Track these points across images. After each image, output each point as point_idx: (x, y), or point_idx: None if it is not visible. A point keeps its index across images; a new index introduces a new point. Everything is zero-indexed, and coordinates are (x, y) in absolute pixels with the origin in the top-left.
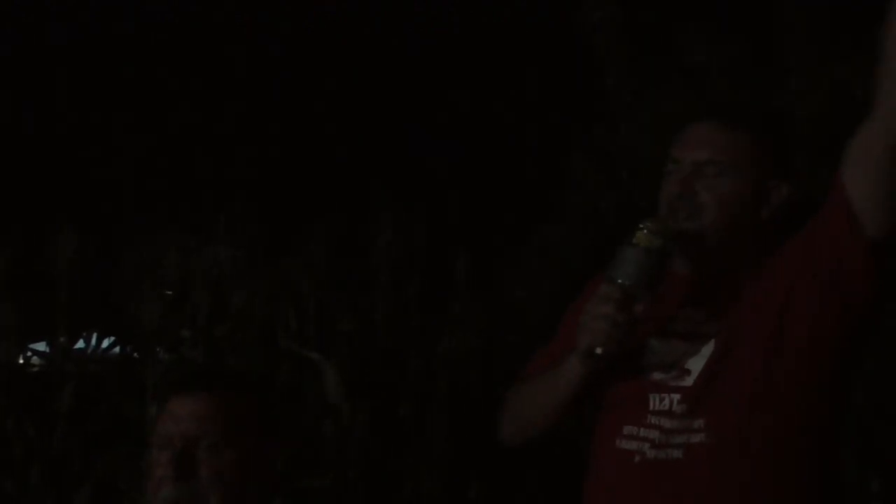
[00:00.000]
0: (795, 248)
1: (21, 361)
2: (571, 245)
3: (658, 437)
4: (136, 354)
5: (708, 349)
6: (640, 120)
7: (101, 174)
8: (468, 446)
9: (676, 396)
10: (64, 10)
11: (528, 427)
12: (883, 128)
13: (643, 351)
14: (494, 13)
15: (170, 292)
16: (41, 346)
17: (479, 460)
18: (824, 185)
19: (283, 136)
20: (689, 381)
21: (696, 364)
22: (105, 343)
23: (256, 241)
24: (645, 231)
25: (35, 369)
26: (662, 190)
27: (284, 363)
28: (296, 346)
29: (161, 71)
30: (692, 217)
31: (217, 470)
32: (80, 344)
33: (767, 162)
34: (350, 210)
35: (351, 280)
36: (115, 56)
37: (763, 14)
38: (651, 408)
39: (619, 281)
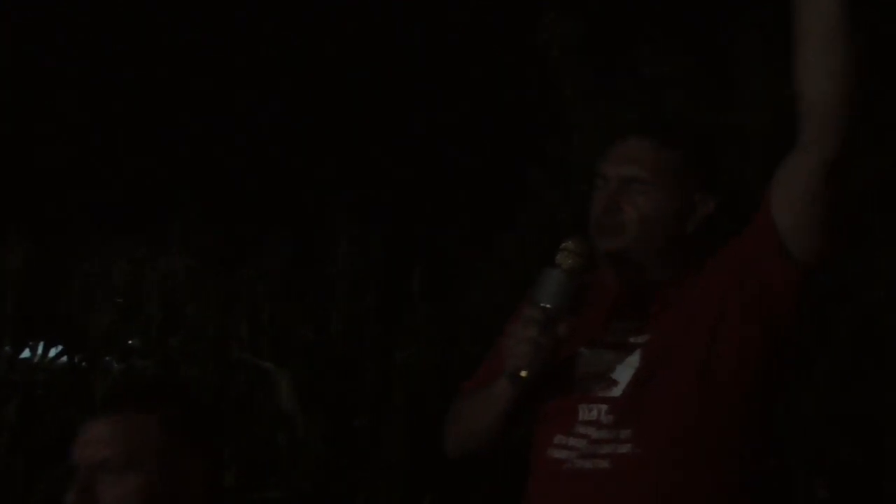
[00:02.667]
0: (723, 263)
1: None
2: (527, 256)
3: (585, 446)
4: (84, 364)
5: (634, 360)
6: (595, 132)
7: (50, 182)
8: (423, 458)
9: (604, 407)
10: (6, 11)
11: (468, 441)
12: (806, 155)
13: (574, 363)
14: (452, 28)
15: (120, 300)
16: None
17: (435, 472)
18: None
19: (239, 146)
20: (616, 392)
21: (623, 374)
22: (52, 352)
23: (210, 252)
24: (566, 252)
25: None
26: (590, 206)
27: (238, 374)
28: (249, 357)
29: (115, 78)
30: (616, 233)
31: (119, 497)
32: (26, 353)
33: (693, 176)
34: (306, 221)
35: (307, 290)
36: (64, 64)
37: (716, 30)
38: (580, 418)
39: (542, 304)
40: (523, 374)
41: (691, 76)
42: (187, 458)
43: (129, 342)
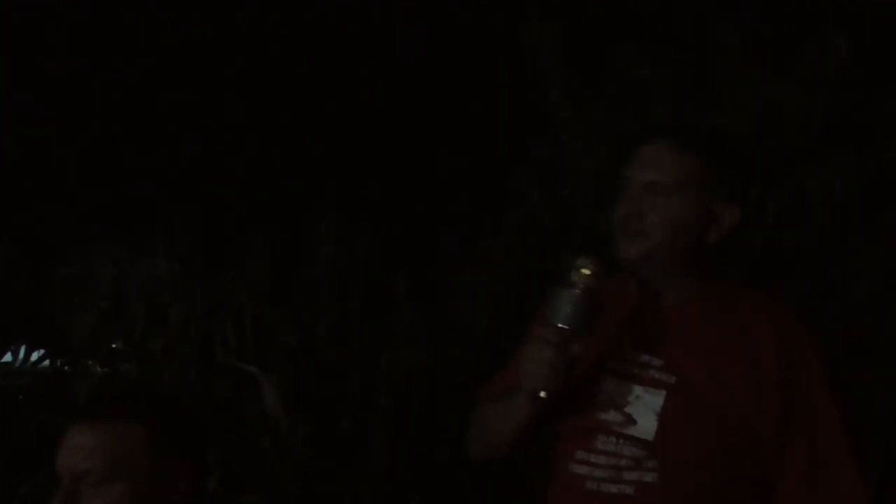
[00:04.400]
0: (780, 352)
1: None
2: (513, 259)
3: (609, 468)
4: (66, 368)
5: (659, 402)
6: (581, 136)
7: (32, 183)
8: (409, 461)
9: (625, 443)
10: None
11: (489, 448)
12: None
13: (597, 386)
14: (436, 29)
15: (103, 303)
16: None
17: (420, 476)
18: (756, 203)
19: (222, 148)
20: (636, 433)
21: (646, 417)
22: (34, 356)
23: (194, 254)
24: (581, 271)
25: None
26: (614, 209)
27: (222, 377)
28: (234, 360)
29: (97, 80)
30: (638, 238)
31: None
32: (8, 357)
33: (717, 185)
34: (291, 223)
35: (291, 293)
36: (45, 65)
37: (699, 35)
38: (602, 442)
39: (557, 324)
40: (542, 394)
41: (675, 80)
42: (172, 466)
43: (113, 346)
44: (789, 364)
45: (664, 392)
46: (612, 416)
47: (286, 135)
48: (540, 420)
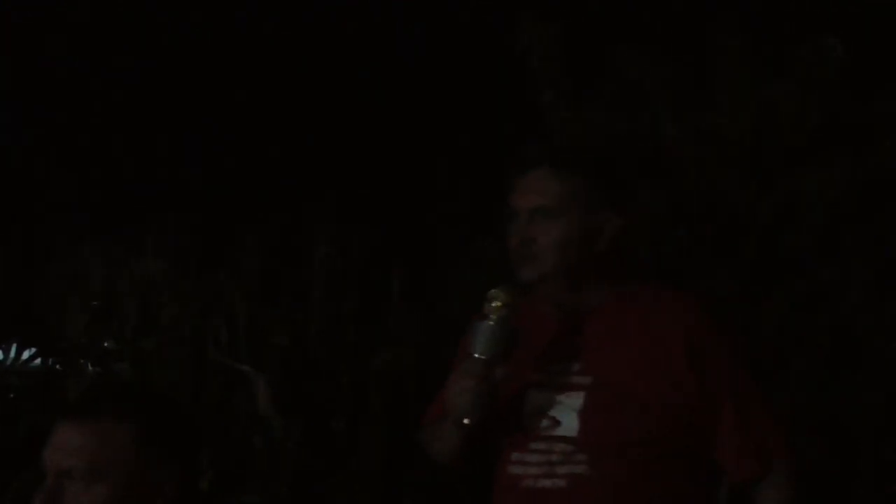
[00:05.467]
0: (677, 337)
1: None
2: (507, 260)
3: (543, 465)
4: (58, 367)
5: (578, 402)
6: (575, 137)
7: (24, 183)
8: (402, 462)
9: (554, 444)
10: None
11: (441, 458)
12: None
13: (523, 401)
14: (434, 29)
15: (96, 303)
16: None
17: (413, 477)
18: (754, 197)
19: (215, 148)
20: (561, 432)
21: (567, 417)
22: (26, 354)
23: (187, 254)
24: (493, 303)
25: None
26: (508, 239)
27: (214, 376)
28: (226, 359)
29: (88, 80)
30: (532, 263)
31: None
32: None
33: (595, 198)
34: (284, 223)
35: (284, 293)
36: (36, 65)
37: (696, 35)
38: (535, 444)
39: (476, 355)
40: (466, 421)
41: (671, 81)
42: (159, 467)
43: (105, 345)
44: (698, 344)
45: (583, 393)
46: (539, 423)
47: (280, 134)
48: (478, 436)
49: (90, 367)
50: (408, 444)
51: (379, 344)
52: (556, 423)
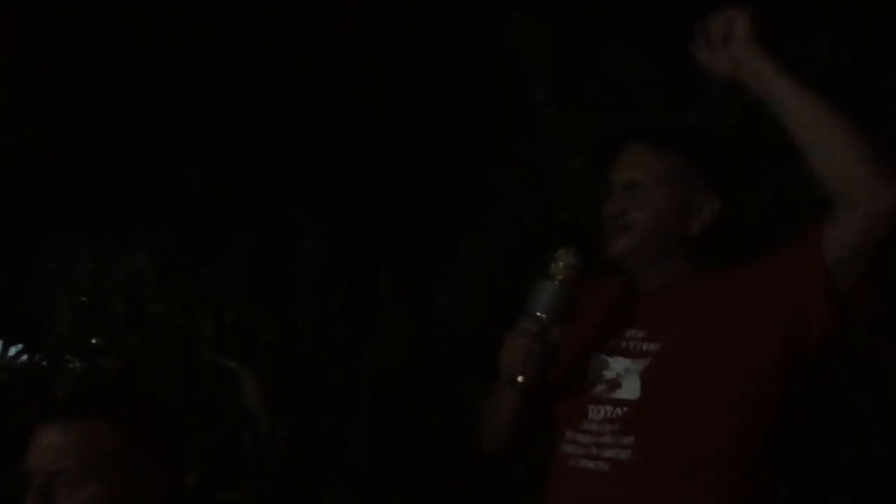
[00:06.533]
0: (750, 284)
1: None
2: (495, 257)
3: (592, 445)
4: (45, 363)
5: (642, 366)
6: (564, 134)
7: (11, 176)
8: (390, 459)
9: (612, 409)
10: None
11: (495, 438)
12: (863, 211)
13: (587, 367)
14: (423, 27)
15: (83, 299)
16: None
17: (401, 473)
18: (741, 197)
19: (204, 144)
20: (621, 395)
21: (629, 380)
22: (12, 351)
23: (175, 250)
24: (558, 264)
25: None
26: (601, 211)
27: (202, 373)
28: (214, 356)
29: (76, 76)
30: (622, 237)
31: None
32: None
33: (695, 177)
34: (272, 219)
35: (272, 290)
36: (24, 62)
37: (684, 34)
38: (590, 417)
39: (534, 313)
40: (520, 379)
41: (659, 78)
42: (147, 464)
43: (92, 341)
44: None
45: (648, 359)
46: (599, 388)
47: (269, 131)
48: (535, 409)
49: (77, 364)
50: (396, 440)
51: (367, 341)
52: (617, 385)
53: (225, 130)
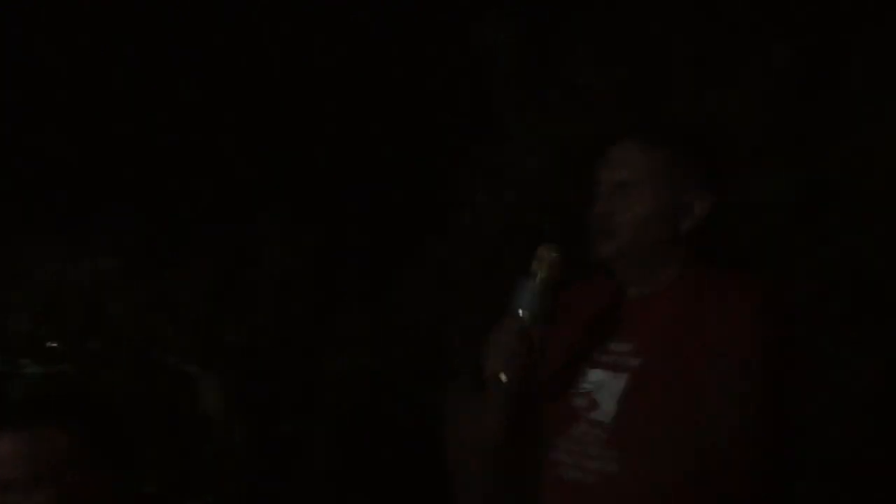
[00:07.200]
0: (714, 342)
1: None
2: (459, 262)
3: (579, 456)
4: (1, 367)
5: (619, 384)
6: (527, 139)
7: None
8: (351, 464)
9: (590, 427)
10: None
11: (486, 439)
12: None
13: (572, 376)
14: (384, 31)
15: (41, 301)
16: None
17: (362, 478)
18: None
19: (165, 145)
20: (598, 416)
21: (606, 400)
22: None
23: (136, 253)
24: (541, 262)
25: None
26: (590, 210)
27: (162, 377)
28: (174, 360)
29: (36, 72)
30: (610, 237)
31: None
32: None
33: (687, 175)
34: (236, 223)
35: (235, 293)
36: None
37: (645, 41)
38: (574, 427)
39: (518, 312)
40: (503, 378)
41: (622, 84)
42: (98, 471)
43: (49, 345)
44: (753, 345)
45: (626, 375)
46: (580, 402)
47: (232, 134)
48: (526, 409)
49: (34, 368)
50: (358, 445)
51: (329, 345)
52: (595, 405)
53: (188, 133)
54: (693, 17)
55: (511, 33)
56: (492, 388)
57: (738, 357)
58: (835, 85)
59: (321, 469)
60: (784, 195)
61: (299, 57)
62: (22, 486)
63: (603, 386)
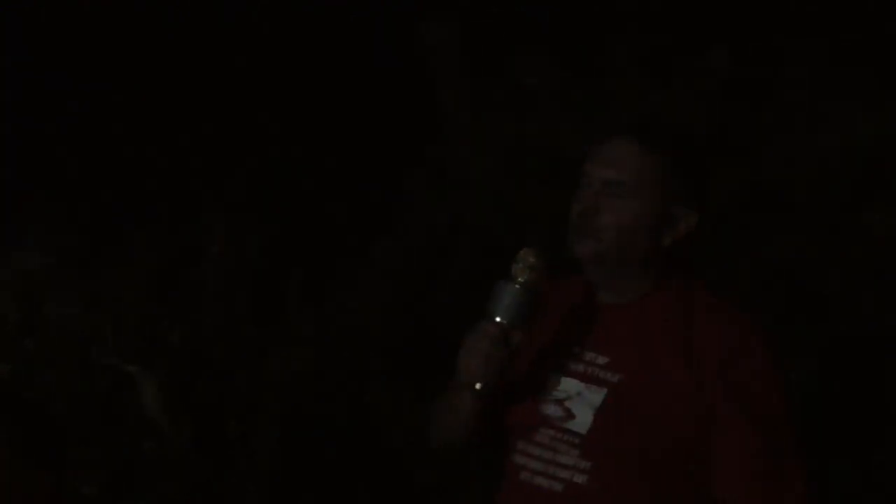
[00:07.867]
0: (713, 358)
1: None
2: (405, 262)
3: (548, 464)
4: None
5: (597, 398)
6: (474, 138)
7: None
8: (298, 467)
9: (562, 435)
10: None
11: (448, 437)
12: None
13: (542, 382)
14: (333, 27)
15: None
16: None
17: (309, 482)
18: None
19: (104, 139)
20: (573, 426)
21: (583, 412)
22: None
23: (71, 249)
24: (522, 266)
25: None
26: (572, 204)
27: (100, 377)
28: (113, 359)
29: None
30: (592, 237)
31: None
32: None
33: (676, 188)
34: (177, 219)
35: (177, 291)
36: None
37: (591, 42)
38: (541, 433)
39: (496, 317)
40: (478, 386)
41: (567, 86)
42: (29, 477)
43: None
44: (732, 365)
45: (605, 390)
46: (553, 410)
47: (175, 129)
48: (491, 412)
49: None
50: (304, 448)
51: (275, 345)
52: (570, 415)
53: (128, 127)
54: (636, 20)
55: (457, 32)
56: (465, 394)
57: (760, 398)
58: (769, 87)
59: (265, 469)
60: (719, 196)
61: (243, 53)
62: None
63: (579, 397)
